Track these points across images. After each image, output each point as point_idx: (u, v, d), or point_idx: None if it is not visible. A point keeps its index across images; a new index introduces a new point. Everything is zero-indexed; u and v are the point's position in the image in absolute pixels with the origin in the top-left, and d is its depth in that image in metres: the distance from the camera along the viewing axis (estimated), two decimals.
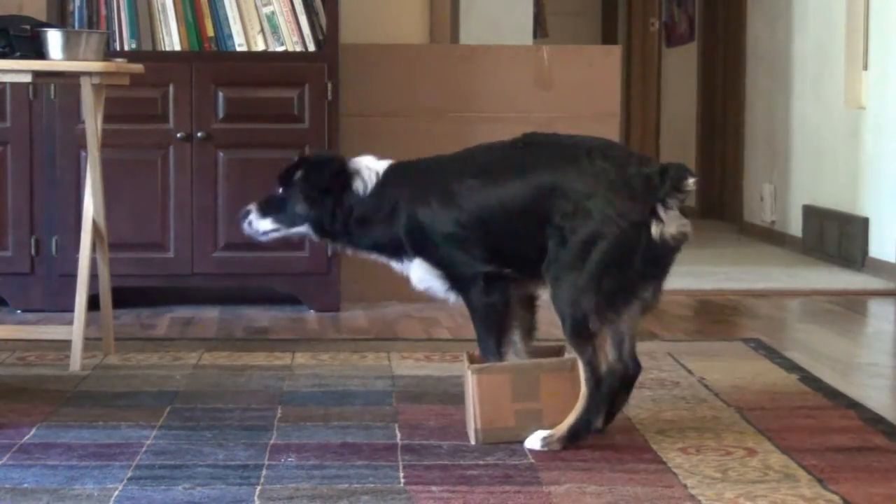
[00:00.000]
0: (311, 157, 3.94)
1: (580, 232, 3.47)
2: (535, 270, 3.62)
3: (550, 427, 3.56)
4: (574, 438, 3.52)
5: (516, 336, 3.76)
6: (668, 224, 3.47)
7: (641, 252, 3.47)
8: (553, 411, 3.58)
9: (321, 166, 3.83)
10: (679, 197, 3.47)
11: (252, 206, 3.88)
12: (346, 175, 3.77)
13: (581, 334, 3.50)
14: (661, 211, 3.46)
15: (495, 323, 3.69)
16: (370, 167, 3.78)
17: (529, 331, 3.77)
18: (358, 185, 3.75)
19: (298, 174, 3.82)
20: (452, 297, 3.77)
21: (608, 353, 3.54)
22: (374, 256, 3.85)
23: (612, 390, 3.56)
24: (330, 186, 3.77)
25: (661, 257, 3.51)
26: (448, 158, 3.78)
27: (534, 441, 3.52)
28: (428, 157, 3.83)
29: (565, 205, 3.50)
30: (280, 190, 3.85)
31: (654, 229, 3.46)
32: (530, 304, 3.78)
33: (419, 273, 3.75)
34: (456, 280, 3.71)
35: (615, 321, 3.53)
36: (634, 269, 3.48)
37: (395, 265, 3.82)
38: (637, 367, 3.67)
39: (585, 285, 3.47)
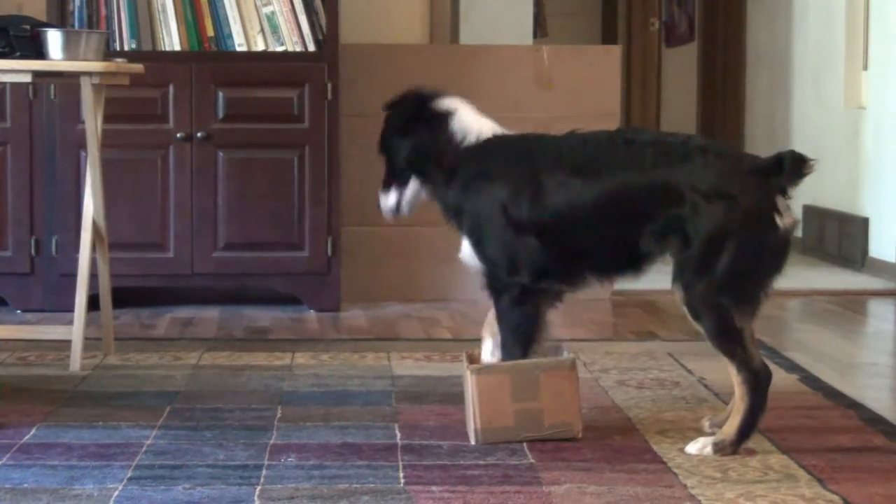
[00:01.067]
0: (391, 100, 3.82)
1: (705, 231, 3.43)
2: (600, 274, 3.63)
3: (550, 427, 3.56)
4: (743, 441, 3.50)
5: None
6: (785, 217, 3.45)
7: (769, 244, 3.45)
8: (553, 411, 3.58)
9: (401, 103, 3.77)
10: (797, 183, 3.45)
11: (379, 192, 3.82)
12: (435, 113, 3.71)
13: (726, 336, 3.47)
14: (779, 202, 3.45)
15: (524, 334, 3.66)
16: (472, 121, 3.70)
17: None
18: (457, 131, 3.69)
19: (385, 124, 3.78)
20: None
21: (757, 355, 3.52)
22: (442, 210, 3.76)
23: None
24: (410, 117, 3.72)
25: (783, 248, 3.49)
26: (547, 146, 3.67)
27: (701, 448, 3.49)
28: (531, 138, 3.71)
29: (679, 205, 3.46)
30: (381, 153, 3.81)
31: (779, 221, 3.44)
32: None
33: (467, 252, 3.72)
34: (491, 280, 3.67)
35: (754, 317, 3.51)
36: (765, 262, 3.46)
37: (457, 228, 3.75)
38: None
39: (721, 284, 3.43)
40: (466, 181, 3.66)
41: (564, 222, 3.57)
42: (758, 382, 3.49)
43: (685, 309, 3.50)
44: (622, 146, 3.58)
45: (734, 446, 3.49)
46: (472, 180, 3.66)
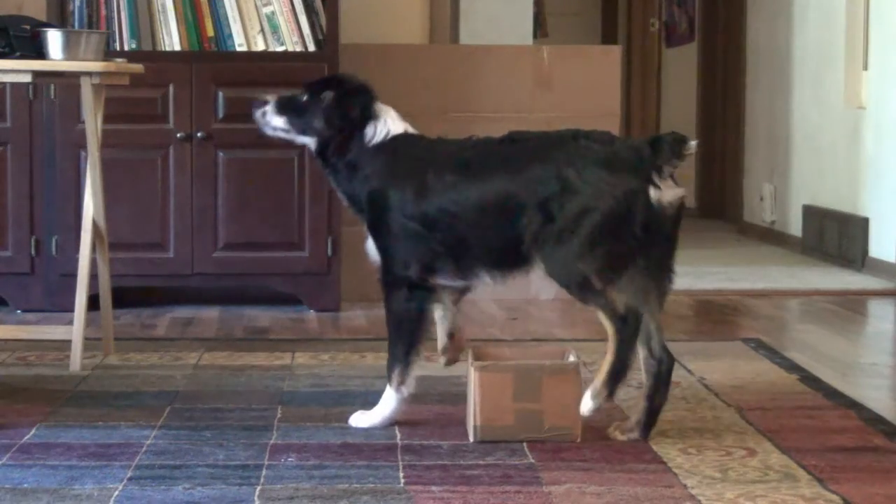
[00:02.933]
0: (345, 80, 3.88)
1: (569, 207, 3.51)
2: (487, 269, 3.67)
3: (549, 429, 3.56)
4: (617, 381, 3.53)
5: (441, 332, 3.88)
6: (664, 191, 3.51)
7: (639, 219, 3.50)
8: (553, 414, 3.58)
9: (354, 97, 3.81)
10: (675, 164, 3.52)
11: (270, 99, 3.89)
12: (369, 116, 3.78)
13: (587, 289, 3.53)
14: (656, 178, 3.51)
15: (407, 331, 3.77)
16: (387, 122, 3.78)
17: (452, 333, 3.88)
18: (369, 132, 3.77)
19: (329, 94, 3.81)
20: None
21: (622, 302, 3.54)
22: (345, 202, 3.87)
23: (638, 332, 3.56)
24: (353, 119, 3.77)
25: (660, 224, 3.53)
26: (442, 148, 3.78)
27: (585, 404, 3.53)
28: (432, 141, 3.81)
29: (550, 188, 3.53)
30: (304, 97, 3.84)
31: (653, 195, 3.50)
32: (453, 305, 3.86)
33: (370, 246, 3.81)
34: (384, 275, 3.77)
35: (615, 282, 3.53)
36: (632, 236, 3.51)
37: (361, 221, 3.84)
38: (670, 359, 3.64)
39: (579, 251, 3.50)
40: (367, 176, 3.75)
41: (448, 218, 3.65)
42: (623, 323, 3.51)
43: (549, 275, 3.56)
44: (504, 146, 3.68)
45: (607, 387, 3.52)
46: (372, 176, 3.74)
